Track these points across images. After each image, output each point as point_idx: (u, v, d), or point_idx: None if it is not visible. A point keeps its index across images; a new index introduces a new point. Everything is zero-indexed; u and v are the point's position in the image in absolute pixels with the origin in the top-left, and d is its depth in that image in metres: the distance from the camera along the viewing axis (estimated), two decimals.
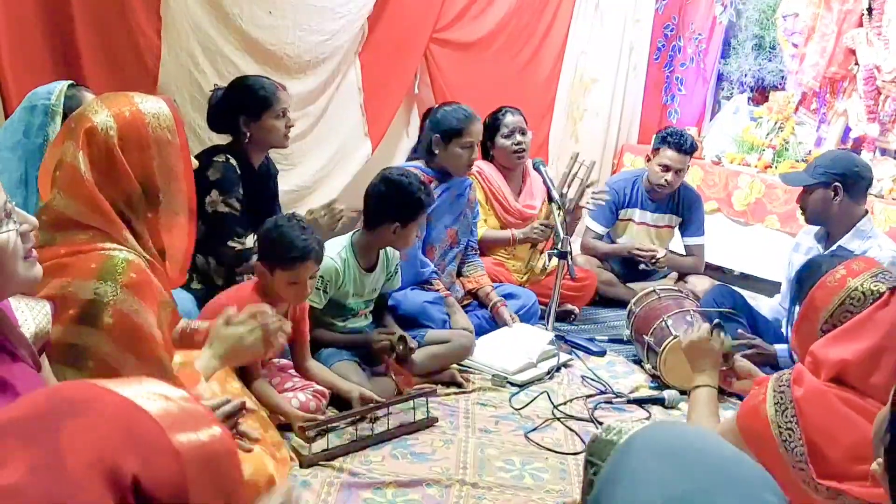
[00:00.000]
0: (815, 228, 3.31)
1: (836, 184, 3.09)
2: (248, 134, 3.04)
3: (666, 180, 4.17)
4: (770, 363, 3.13)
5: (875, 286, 2.12)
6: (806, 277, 2.32)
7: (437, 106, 3.77)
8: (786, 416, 2.11)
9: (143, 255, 1.72)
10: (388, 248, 3.11)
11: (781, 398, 2.15)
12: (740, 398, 2.53)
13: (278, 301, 2.58)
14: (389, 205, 2.95)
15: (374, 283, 3.07)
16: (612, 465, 1.04)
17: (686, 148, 4.17)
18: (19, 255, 1.33)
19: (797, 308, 2.29)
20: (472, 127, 3.51)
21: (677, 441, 1.04)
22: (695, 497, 0.93)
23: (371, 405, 2.67)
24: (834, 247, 3.14)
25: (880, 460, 1.14)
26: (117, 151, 1.68)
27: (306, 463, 2.42)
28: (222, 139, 3.15)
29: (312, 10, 3.97)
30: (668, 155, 4.14)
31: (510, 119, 3.96)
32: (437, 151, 3.50)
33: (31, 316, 1.46)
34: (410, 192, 2.95)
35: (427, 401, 2.82)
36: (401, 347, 2.97)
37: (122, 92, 1.81)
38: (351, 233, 3.07)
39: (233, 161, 3.00)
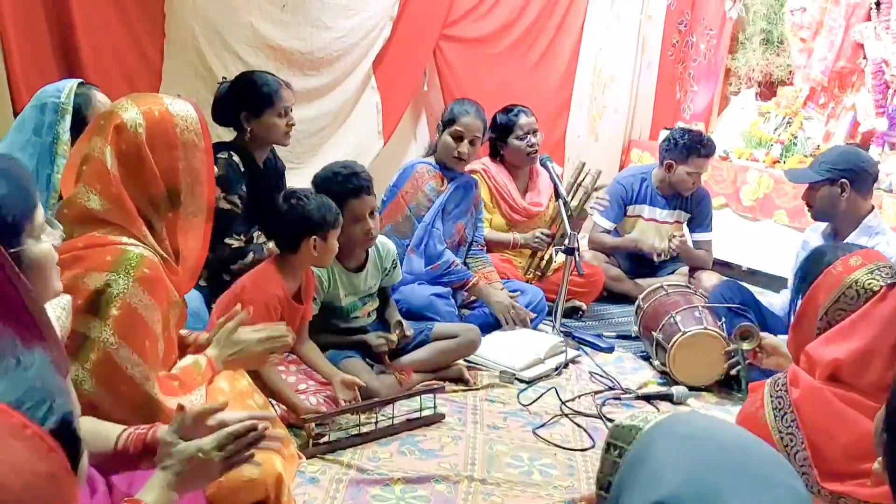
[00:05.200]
0: (823, 226, 3.28)
1: (843, 180, 3.06)
2: (249, 130, 3.03)
3: (694, 183, 4.22)
4: None
5: (870, 283, 2.09)
6: (809, 270, 2.28)
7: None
8: (785, 421, 2.09)
9: (158, 253, 1.74)
10: (381, 246, 3.05)
11: (780, 403, 2.13)
12: (767, 374, 2.49)
13: (295, 278, 2.63)
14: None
15: (366, 281, 3.01)
16: (638, 448, 1.07)
17: (713, 152, 4.24)
18: (55, 266, 1.38)
19: (800, 302, 2.26)
20: (464, 118, 3.53)
21: (702, 428, 1.07)
22: (719, 479, 0.95)
23: (377, 400, 2.67)
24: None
25: (881, 459, 1.16)
26: (145, 149, 1.71)
27: (308, 455, 2.43)
28: (229, 133, 3.13)
29: (326, 7, 3.96)
30: (699, 163, 4.17)
31: (524, 121, 3.95)
32: (436, 138, 3.63)
33: (55, 315, 1.46)
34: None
35: (434, 397, 2.82)
36: (397, 332, 2.97)
37: (151, 93, 1.85)
38: None
39: (235, 158, 2.98)
